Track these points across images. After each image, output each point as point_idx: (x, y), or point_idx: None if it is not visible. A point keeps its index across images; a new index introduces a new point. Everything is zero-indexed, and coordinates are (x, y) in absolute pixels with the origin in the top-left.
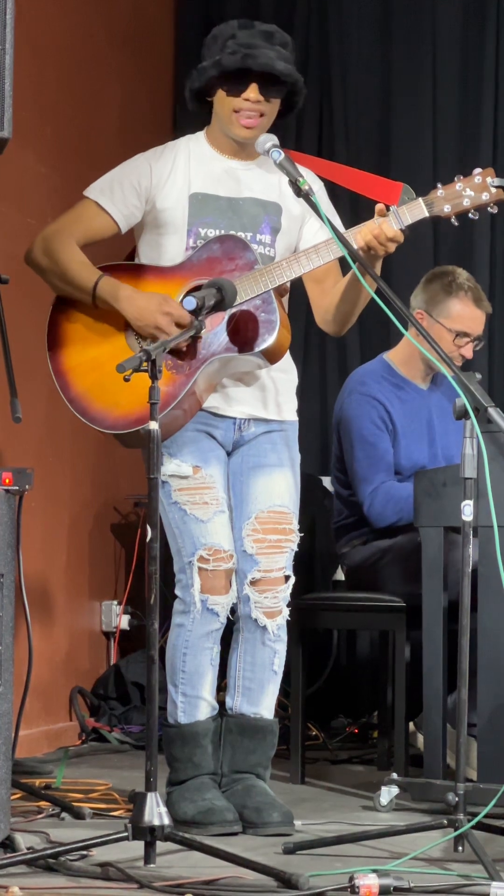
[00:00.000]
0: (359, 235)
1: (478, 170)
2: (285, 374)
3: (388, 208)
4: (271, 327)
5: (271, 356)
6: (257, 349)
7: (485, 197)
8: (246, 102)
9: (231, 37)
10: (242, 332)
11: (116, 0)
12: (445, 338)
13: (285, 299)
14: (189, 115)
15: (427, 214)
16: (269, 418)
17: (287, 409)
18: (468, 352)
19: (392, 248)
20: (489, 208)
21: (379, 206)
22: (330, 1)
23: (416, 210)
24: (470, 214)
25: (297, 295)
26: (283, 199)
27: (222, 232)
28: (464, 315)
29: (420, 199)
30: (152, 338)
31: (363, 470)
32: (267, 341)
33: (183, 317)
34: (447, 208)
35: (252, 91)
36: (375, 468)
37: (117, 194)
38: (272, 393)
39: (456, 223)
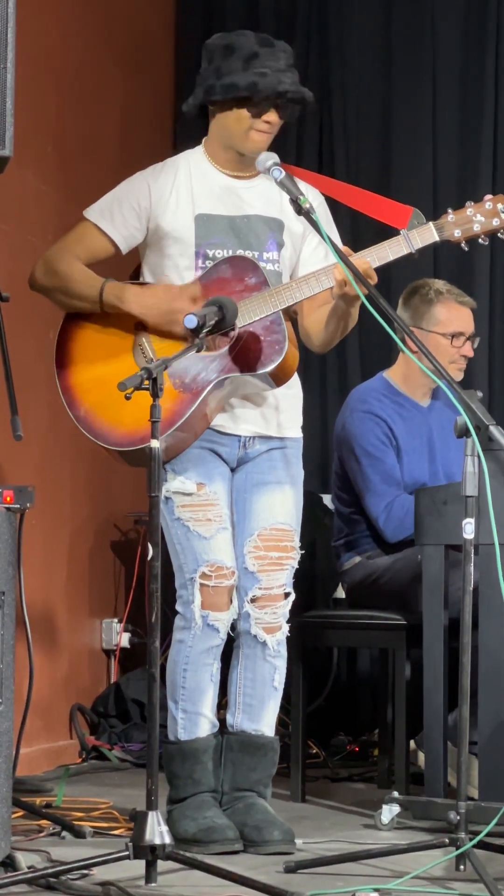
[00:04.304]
0: (336, 271)
1: (489, 196)
2: (288, 389)
3: (399, 231)
4: (280, 348)
5: (278, 378)
6: (266, 370)
7: (495, 223)
8: (265, 124)
9: (254, 55)
10: (252, 353)
11: (117, 17)
12: (443, 344)
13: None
14: (190, 133)
15: (437, 239)
16: (271, 435)
17: (289, 425)
18: (468, 350)
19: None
20: (500, 234)
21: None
22: (330, 21)
23: (426, 234)
24: (480, 240)
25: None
26: (283, 215)
27: (231, 252)
28: (452, 316)
29: (431, 224)
30: (170, 327)
31: (374, 485)
32: (275, 361)
33: (194, 291)
34: (457, 233)
35: (273, 115)
36: (386, 483)
37: (117, 217)
38: (274, 410)
39: (466, 248)
